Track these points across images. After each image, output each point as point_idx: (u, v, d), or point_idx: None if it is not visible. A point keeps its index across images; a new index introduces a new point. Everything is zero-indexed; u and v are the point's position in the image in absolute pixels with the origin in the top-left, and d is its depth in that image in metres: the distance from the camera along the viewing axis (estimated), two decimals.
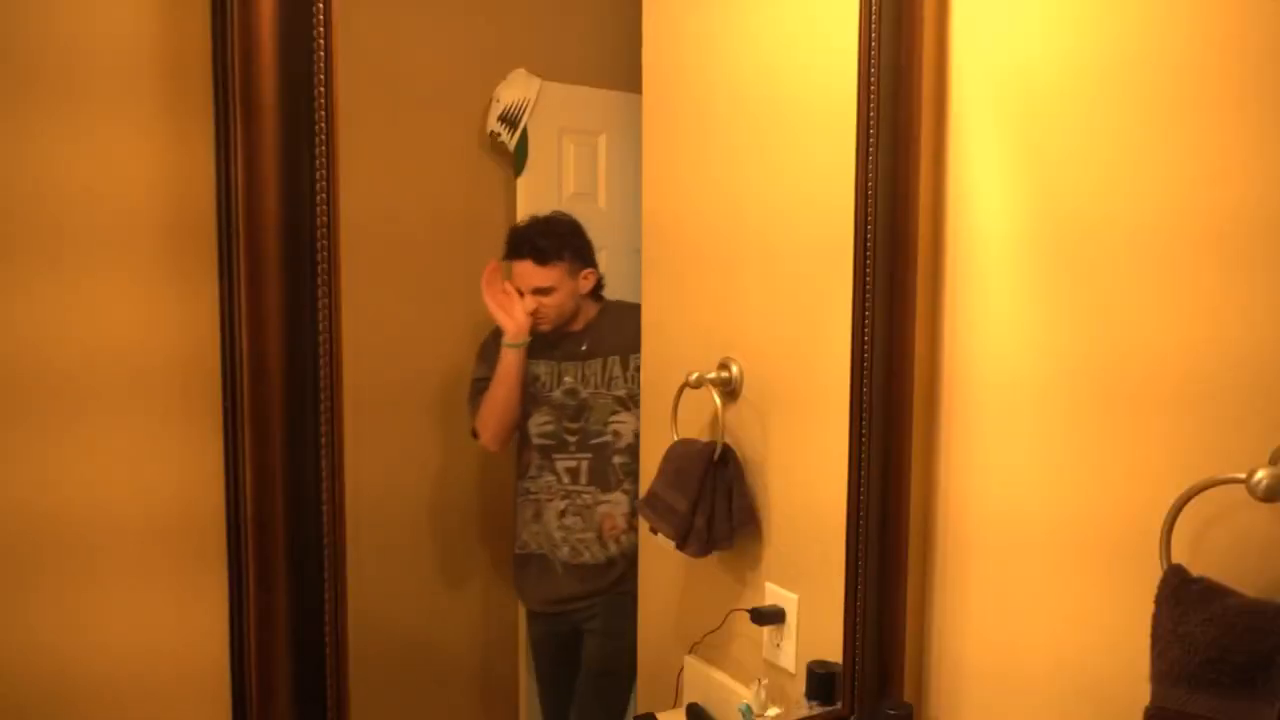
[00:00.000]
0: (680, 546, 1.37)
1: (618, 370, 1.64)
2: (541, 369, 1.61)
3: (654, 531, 1.41)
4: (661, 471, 1.42)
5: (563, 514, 1.63)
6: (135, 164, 0.82)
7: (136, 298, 0.83)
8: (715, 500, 1.36)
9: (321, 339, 0.86)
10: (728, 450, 1.38)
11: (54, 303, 0.81)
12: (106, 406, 0.83)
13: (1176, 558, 0.95)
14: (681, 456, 1.40)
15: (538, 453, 1.62)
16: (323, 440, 0.86)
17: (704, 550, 1.37)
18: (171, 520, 0.85)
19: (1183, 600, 0.91)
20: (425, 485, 1.45)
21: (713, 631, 1.44)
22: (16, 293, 0.79)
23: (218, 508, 0.86)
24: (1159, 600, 0.93)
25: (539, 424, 1.61)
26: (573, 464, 1.62)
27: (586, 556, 1.64)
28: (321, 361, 0.86)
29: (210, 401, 0.85)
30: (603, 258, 1.55)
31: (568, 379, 1.61)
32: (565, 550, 1.63)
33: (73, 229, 0.81)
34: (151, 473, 0.85)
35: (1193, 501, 0.94)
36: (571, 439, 1.62)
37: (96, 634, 0.84)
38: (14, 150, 0.78)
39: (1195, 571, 0.93)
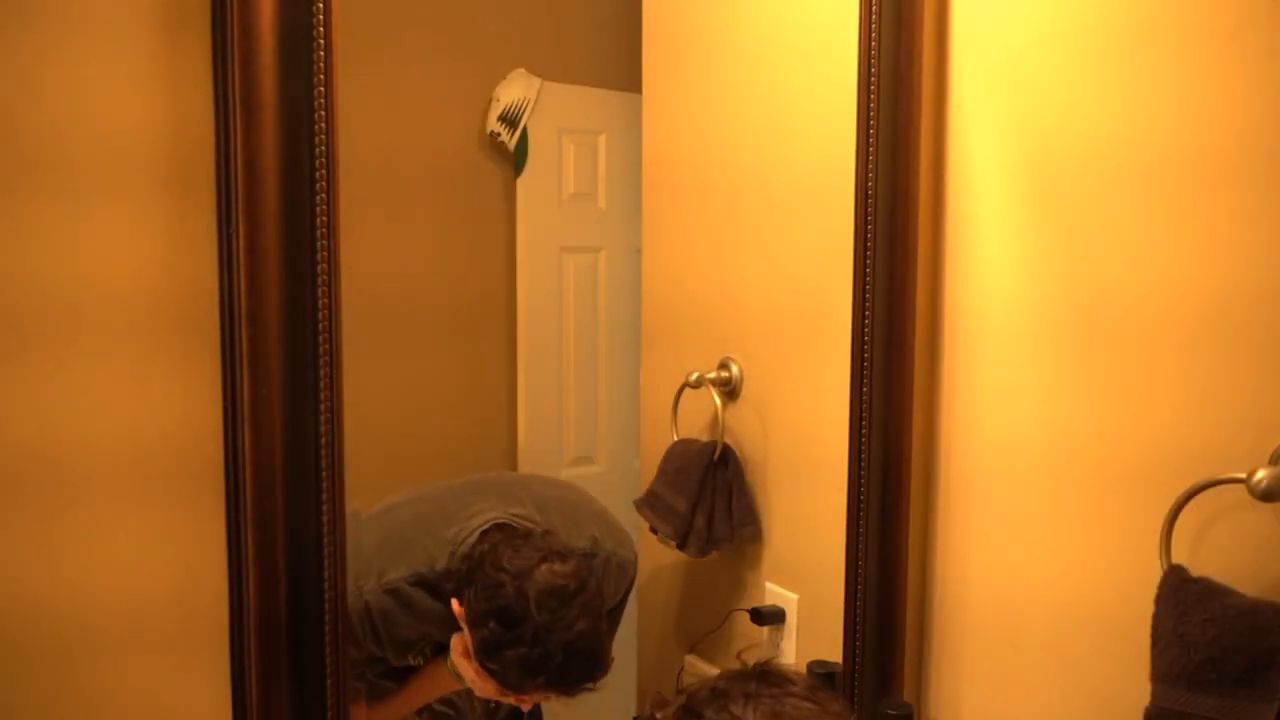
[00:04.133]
0: (680, 546, 1.37)
1: None
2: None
3: (654, 531, 1.41)
4: (661, 471, 1.42)
5: None
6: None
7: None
8: (715, 500, 1.36)
9: (322, 340, 0.86)
10: (728, 450, 1.37)
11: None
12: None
13: (1176, 557, 0.95)
14: (681, 456, 1.40)
15: None
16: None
17: (704, 550, 1.36)
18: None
19: (1183, 600, 0.91)
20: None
21: (713, 631, 1.43)
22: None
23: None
24: (1159, 600, 0.93)
25: None
26: None
27: None
28: (322, 361, 0.86)
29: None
30: (603, 258, 1.55)
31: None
32: None
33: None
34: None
35: (1193, 501, 0.94)
36: None
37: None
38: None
39: (1195, 572, 0.93)
